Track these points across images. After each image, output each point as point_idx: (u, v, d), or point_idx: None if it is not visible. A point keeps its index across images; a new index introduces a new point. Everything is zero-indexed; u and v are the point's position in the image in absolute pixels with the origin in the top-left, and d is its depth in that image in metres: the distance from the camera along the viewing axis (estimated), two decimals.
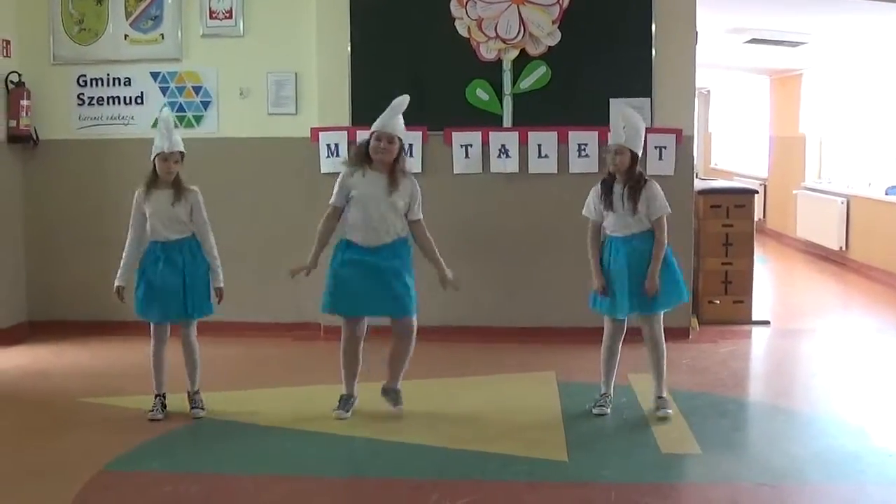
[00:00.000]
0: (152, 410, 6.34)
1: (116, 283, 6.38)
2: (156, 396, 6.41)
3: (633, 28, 8.42)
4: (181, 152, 6.32)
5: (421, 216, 6.26)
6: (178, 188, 6.29)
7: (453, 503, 4.90)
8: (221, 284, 6.46)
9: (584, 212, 6.45)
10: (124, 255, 6.39)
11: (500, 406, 6.58)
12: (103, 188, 8.91)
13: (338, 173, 8.48)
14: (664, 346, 6.44)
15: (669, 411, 6.31)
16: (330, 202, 6.32)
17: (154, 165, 6.29)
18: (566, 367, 7.54)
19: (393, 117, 6.21)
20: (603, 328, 6.48)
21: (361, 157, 6.23)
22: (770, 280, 12.25)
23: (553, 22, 8.41)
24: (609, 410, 6.37)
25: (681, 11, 8.40)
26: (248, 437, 6.05)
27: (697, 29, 8.55)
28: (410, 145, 8.44)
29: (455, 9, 8.47)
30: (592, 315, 8.52)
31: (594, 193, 6.40)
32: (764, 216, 16.65)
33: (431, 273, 6.34)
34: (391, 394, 6.43)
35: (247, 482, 5.30)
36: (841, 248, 13.09)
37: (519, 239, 8.53)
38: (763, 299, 10.12)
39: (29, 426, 6.33)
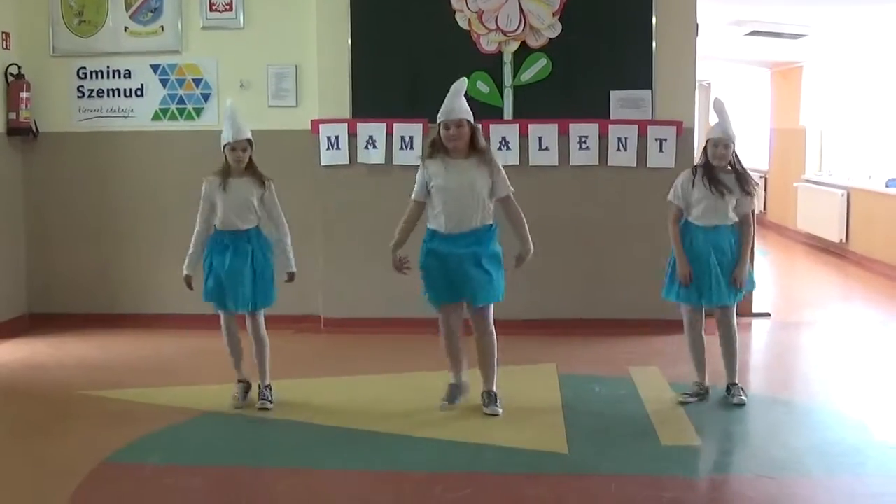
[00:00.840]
0: (233, 396, 6.39)
1: (185, 272, 6.35)
2: (238, 382, 6.46)
3: (633, 20, 8.42)
4: (248, 140, 6.31)
5: (507, 192, 6.14)
6: (257, 175, 6.34)
7: (455, 494, 4.90)
8: (294, 269, 6.47)
9: (670, 197, 6.42)
10: (192, 244, 6.36)
11: (501, 398, 6.57)
12: (103, 180, 8.91)
13: (336, 166, 8.58)
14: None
15: (744, 397, 6.37)
16: (411, 197, 6.23)
17: (225, 157, 6.29)
18: (567, 359, 7.54)
19: (456, 101, 6.11)
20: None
21: (438, 148, 6.14)
22: (770, 272, 12.25)
23: (553, 14, 8.41)
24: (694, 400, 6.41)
25: (681, 4, 8.40)
26: (250, 429, 6.05)
27: (698, 21, 8.54)
28: (411, 137, 8.47)
29: (455, 1, 8.46)
30: (593, 307, 8.57)
31: (685, 179, 6.38)
32: (764, 208, 16.66)
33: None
34: (482, 396, 6.30)
35: (248, 475, 5.30)
36: (841, 240, 13.09)
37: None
38: (763, 291, 10.11)
39: (28, 419, 6.34)
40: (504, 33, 8.45)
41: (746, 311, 9.23)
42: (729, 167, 6.34)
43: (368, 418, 6.14)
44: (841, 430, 6.04)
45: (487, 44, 8.49)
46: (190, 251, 6.36)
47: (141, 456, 5.53)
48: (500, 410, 6.19)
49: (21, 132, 8.78)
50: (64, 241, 9.02)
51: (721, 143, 6.26)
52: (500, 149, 8.43)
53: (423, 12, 8.54)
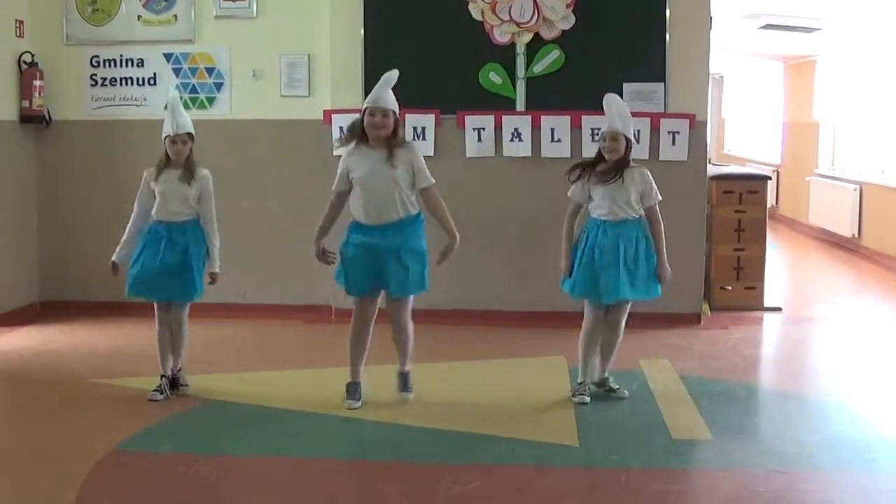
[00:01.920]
0: (154, 391, 6.34)
1: (113, 259, 6.38)
2: (161, 377, 6.43)
3: (647, 12, 8.40)
4: (189, 133, 6.31)
5: (427, 183, 6.06)
6: (189, 169, 6.30)
7: (465, 486, 4.90)
8: (218, 270, 6.44)
9: (569, 193, 6.36)
10: (126, 231, 6.42)
11: (510, 390, 6.58)
12: (116, 169, 8.91)
13: None
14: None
15: (586, 398, 6.31)
16: (332, 188, 6.24)
17: (165, 148, 6.30)
18: (576, 352, 7.52)
19: (384, 91, 6.04)
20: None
21: (356, 134, 6.09)
22: (782, 267, 12.23)
23: (567, 6, 8.39)
24: (588, 399, 6.32)
25: None
26: (259, 418, 6.06)
27: (712, 14, 8.52)
28: (423, 128, 8.46)
29: None
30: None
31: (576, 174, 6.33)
32: (777, 202, 16.62)
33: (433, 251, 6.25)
34: (398, 378, 6.39)
35: (257, 463, 5.31)
36: (854, 235, 13.05)
37: (531, 223, 8.51)
38: (775, 286, 10.10)
39: (40, 406, 6.36)
40: (517, 24, 8.44)
41: (758, 306, 9.24)
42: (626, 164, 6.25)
43: (375, 409, 6.15)
44: (852, 425, 6.04)
45: (500, 35, 8.48)
46: (123, 238, 6.41)
47: (152, 444, 5.55)
48: (412, 396, 6.28)
49: (34, 120, 8.80)
50: (76, 229, 9.04)
51: (608, 136, 6.21)
52: (512, 140, 8.44)
53: (437, 2, 8.54)
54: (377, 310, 6.29)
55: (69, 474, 5.01)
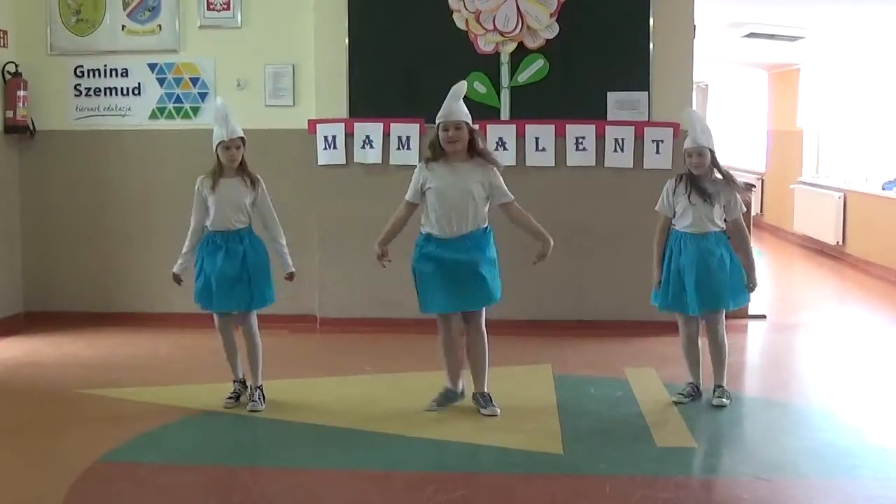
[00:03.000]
0: (228, 397, 6.38)
1: (175, 271, 6.34)
2: (234, 382, 6.47)
3: (631, 21, 8.43)
4: (242, 138, 6.30)
5: (507, 199, 6.14)
6: (248, 174, 6.32)
7: (449, 495, 4.90)
8: (293, 269, 6.48)
9: (657, 207, 6.44)
10: (186, 243, 6.37)
11: (496, 398, 6.57)
12: (100, 179, 8.91)
13: (333, 165, 8.59)
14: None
15: (725, 400, 6.38)
16: (405, 197, 6.22)
17: (217, 156, 6.28)
18: (563, 360, 7.54)
19: (454, 103, 6.10)
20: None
21: (436, 150, 6.12)
22: (767, 274, 12.24)
23: (551, 15, 8.41)
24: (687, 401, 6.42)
25: (679, 5, 8.40)
26: (245, 428, 6.05)
27: (696, 23, 8.55)
28: (408, 137, 8.47)
29: (453, 1, 8.46)
30: (589, 308, 8.58)
31: (669, 187, 6.40)
32: (761, 210, 16.68)
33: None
34: (476, 398, 6.30)
35: (244, 474, 5.30)
36: (838, 242, 13.10)
37: (515, 232, 8.49)
38: (759, 293, 10.10)
39: (24, 417, 6.33)
40: (501, 34, 8.46)
41: (742, 314, 9.24)
42: (714, 174, 6.33)
43: (363, 418, 6.14)
44: (836, 432, 6.05)
45: (485, 44, 8.49)
46: (184, 250, 6.37)
47: (137, 455, 5.53)
48: (499, 410, 6.20)
49: (18, 130, 8.77)
50: (60, 239, 9.01)
51: (694, 153, 6.25)
52: (496, 149, 8.43)
53: (421, 12, 8.55)
54: (460, 322, 6.27)
55: (53, 485, 4.99)
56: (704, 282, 6.23)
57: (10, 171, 8.87)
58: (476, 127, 6.21)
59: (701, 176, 6.28)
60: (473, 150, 6.11)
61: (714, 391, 6.45)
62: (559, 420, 6.10)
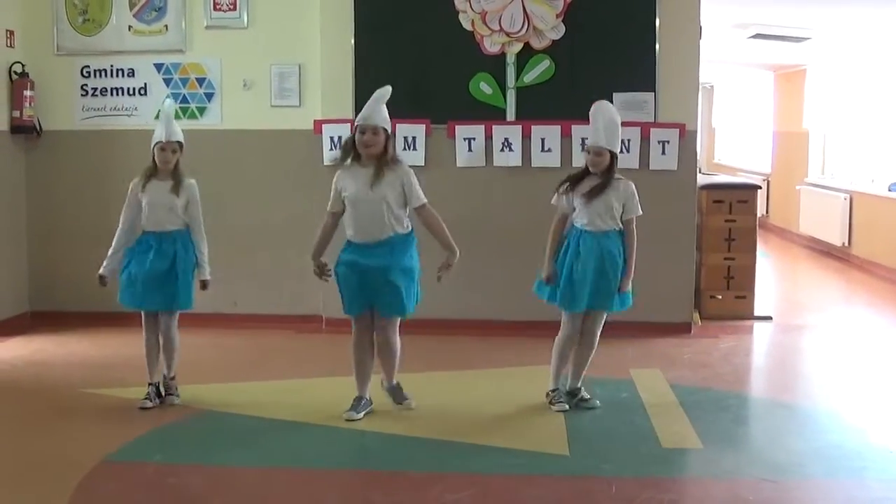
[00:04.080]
0: (144, 399, 6.36)
1: (101, 271, 6.40)
2: (148, 385, 6.44)
3: (637, 22, 8.42)
4: (179, 142, 6.34)
5: (421, 202, 6.05)
6: (176, 178, 6.33)
7: (455, 495, 4.90)
8: (209, 277, 6.46)
9: (553, 201, 6.36)
10: (114, 243, 6.43)
11: (500, 399, 6.58)
12: (106, 179, 8.90)
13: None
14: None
15: (566, 406, 6.33)
16: (327, 209, 6.21)
17: (153, 156, 6.31)
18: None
19: (375, 108, 6.03)
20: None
21: (349, 152, 6.08)
22: (772, 275, 12.26)
23: (557, 16, 8.41)
24: (567, 406, 6.33)
25: (685, 6, 8.40)
26: (251, 428, 6.05)
27: (701, 24, 8.54)
28: (414, 138, 8.47)
29: (459, 2, 8.46)
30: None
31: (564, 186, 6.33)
32: (767, 212, 16.66)
33: (430, 267, 6.28)
34: (388, 393, 6.38)
35: (249, 474, 5.30)
36: (844, 244, 13.08)
37: (521, 233, 8.52)
38: (765, 295, 10.12)
39: (30, 416, 6.34)
40: (507, 34, 8.46)
41: (748, 315, 9.26)
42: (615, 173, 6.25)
43: (368, 418, 6.14)
44: (842, 434, 6.05)
45: (491, 45, 8.49)
46: (111, 250, 6.42)
47: (143, 454, 5.54)
48: (414, 403, 6.28)
49: (25, 130, 8.79)
50: (66, 239, 9.02)
51: (592, 151, 6.20)
52: (502, 150, 8.44)
53: (427, 12, 8.55)
54: (373, 327, 6.23)
55: (59, 485, 5.00)
56: (597, 281, 6.16)
57: (16, 170, 8.88)
58: (392, 136, 6.13)
59: (597, 174, 6.19)
60: (383, 158, 6.02)
61: (580, 392, 6.42)
62: (564, 421, 6.10)
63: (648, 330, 8.22)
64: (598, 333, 6.39)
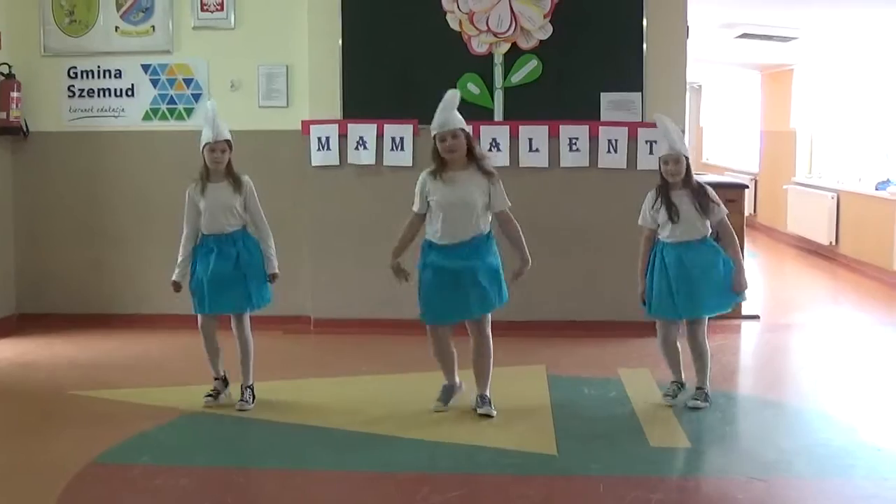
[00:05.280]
0: (207, 395, 6.41)
1: (174, 278, 6.37)
2: (214, 379, 6.48)
3: (624, 22, 8.43)
4: (228, 141, 6.33)
5: (503, 207, 6.16)
6: (233, 177, 6.34)
7: (443, 496, 4.90)
8: (277, 270, 6.49)
9: (640, 221, 6.42)
10: (181, 251, 6.39)
11: (494, 401, 6.57)
12: (93, 180, 8.90)
13: (327, 167, 8.59)
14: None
15: (700, 403, 6.37)
16: (413, 209, 6.22)
17: (203, 159, 6.31)
18: (556, 361, 7.55)
19: (449, 113, 6.11)
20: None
21: (437, 161, 6.13)
22: (760, 274, 12.27)
23: (545, 16, 8.41)
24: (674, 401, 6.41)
25: (672, 6, 8.41)
26: (239, 430, 6.05)
27: (689, 23, 8.55)
28: (402, 138, 8.47)
29: (446, 2, 8.46)
30: (583, 309, 8.58)
31: (649, 202, 6.37)
32: (754, 211, 16.68)
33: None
34: (476, 399, 6.33)
35: (237, 475, 5.30)
36: (831, 242, 13.11)
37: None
38: (753, 294, 10.10)
39: (17, 419, 6.33)
40: (495, 34, 8.46)
41: (736, 314, 9.24)
42: (690, 184, 6.30)
43: (357, 419, 6.14)
44: (831, 432, 6.05)
45: (478, 45, 8.49)
46: (179, 258, 6.39)
47: (130, 456, 5.53)
48: (495, 412, 6.20)
49: (11, 132, 8.76)
50: (54, 241, 9.00)
51: (671, 160, 6.23)
52: (490, 150, 8.43)
53: (415, 13, 8.54)
54: (450, 329, 6.30)
55: (47, 487, 4.98)
56: (685, 289, 6.21)
57: (3, 172, 8.85)
58: (470, 132, 6.20)
59: (675, 185, 6.25)
60: (472, 157, 6.12)
61: (695, 391, 6.45)
62: (553, 420, 6.11)
63: (637, 329, 8.21)
64: (701, 335, 6.42)
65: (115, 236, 8.94)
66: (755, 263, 12.54)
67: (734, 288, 6.32)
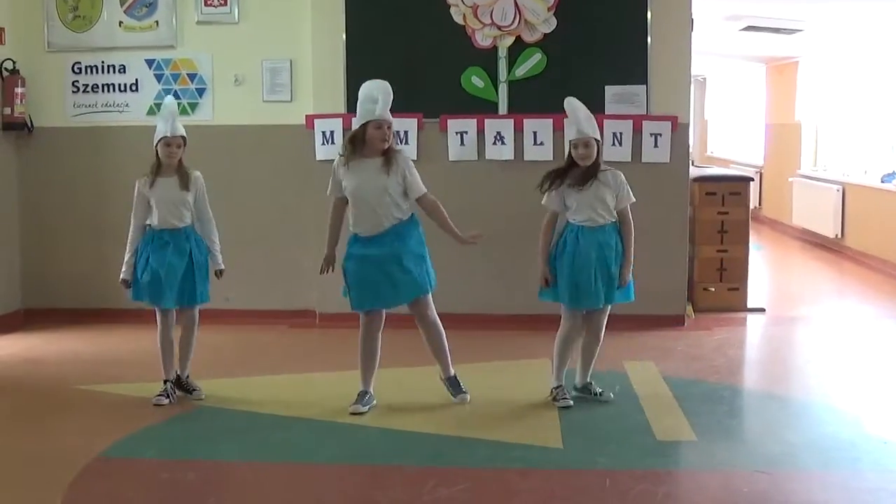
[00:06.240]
0: (160, 395, 6.37)
1: (123, 276, 6.40)
2: (164, 382, 6.45)
3: (628, 15, 8.42)
4: (183, 137, 6.35)
5: (421, 191, 6.13)
6: (182, 173, 6.34)
7: (450, 489, 4.90)
8: (223, 266, 6.54)
9: (543, 202, 6.32)
10: (129, 245, 6.40)
11: (495, 393, 6.57)
12: (98, 175, 8.90)
13: (331, 161, 8.50)
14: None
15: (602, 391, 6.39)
16: (332, 195, 6.24)
17: (157, 152, 6.30)
18: None
19: (389, 104, 6.13)
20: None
21: (357, 146, 6.10)
22: (765, 267, 12.26)
23: (548, 9, 8.40)
24: (572, 402, 6.31)
25: None
26: (245, 424, 6.05)
27: (693, 16, 8.54)
28: (406, 132, 8.46)
29: None
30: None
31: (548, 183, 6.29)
32: (760, 204, 16.67)
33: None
34: (445, 385, 6.42)
35: (243, 469, 5.30)
36: (836, 235, 13.09)
37: (514, 226, 8.50)
38: (758, 287, 10.13)
39: (24, 413, 6.34)
40: (499, 28, 8.45)
41: (741, 307, 9.27)
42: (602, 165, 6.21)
43: (361, 414, 6.13)
44: (836, 425, 6.05)
45: (482, 38, 8.48)
46: (128, 253, 6.40)
47: (136, 450, 5.54)
48: (468, 396, 6.30)
49: (16, 127, 8.76)
50: (59, 236, 9.01)
51: (580, 144, 6.17)
52: (494, 144, 8.44)
53: (418, 7, 8.54)
54: (383, 320, 6.30)
55: (53, 482, 4.99)
56: (605, 275, 6.16)
57: (7, 168, 8.86)
58: (401, 133, 6.28)
59: (588, 167, 6.15)
60: (388, 149, 6.12)
61: (592, 387, 6.43)
62: (558, 414, 6.10)
63: (642, 322, 8.21)
64: (604, 326, 6.40)
65: (120, 231, 8.82)
66: (760, 256, 12.52)
67: (619, 281, 6.23)
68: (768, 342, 8.66)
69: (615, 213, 6.19)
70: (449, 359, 6.40)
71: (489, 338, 8.16)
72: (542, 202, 6.33)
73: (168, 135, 6.28)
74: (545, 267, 6.28)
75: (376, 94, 6.11)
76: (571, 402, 6.27)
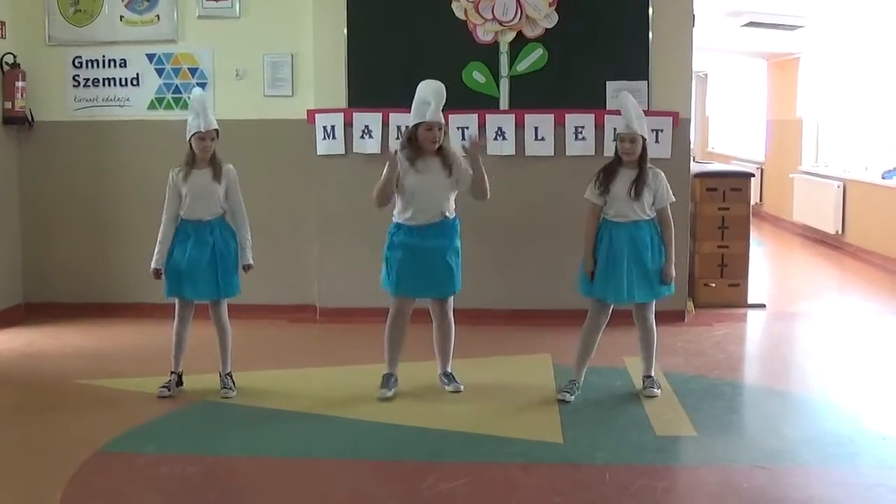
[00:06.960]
0: (164, 387, 6.40)
1: (153, 266, 6.43)
2: (171, 373, 6.46)
3: (630, 11, 8.41)
4: (216, 130, 6.37)
5: (468, 175, 6.36)
6: (216, 166, 6.38)
7: (450, 484, 4.91)
8: (252, 261, 6.54)
9: (586, 194, 6.37)
10: (160, 236, 6.44)
11: (496, 388, 6.58)
12: (99, 170, 8.90)
13: (332, 155, 8.57)
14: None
15: (657, 391, 6.40)
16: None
17: (190, 146, 6.33)
18: (562, 350, 7.52)
19: (440, 105, 6.30)
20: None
21: (414, 147, 6.33)
22: (766, 263, 12.26)
23: (550, 4, 8.39)
24: (571, 398, 6.32)
25: None
26: (245, 418, 6.05)
27: (694, 12, 8.53)
28: (407, 126, 8.45)
29: None
30: (588, 298, 8.55)
31: (596, 178, 6.34)
32: (760, 200, 16.66)
33: None
34: (441, 378, 6.60)
35: (244, 463, 5.31)
36: (837, 231, 13.09)
37: (515, 221, 8.52)
38: (759, 283, 10.13)
39: (25, 408, 6.34)
40: (500, 23, 8.44)
41: (742, 303, 9.27)
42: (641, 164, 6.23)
43: (362, 408, 6.16)
44: (836, 420, 6.06)
45: (484, 33, 8.48)
46: (159, 243, 6.43)
47: (136, 445, 5.55)
48: (462, 386, 6.45)
49: (17, 121, 8.76)
50: (60, 230, 9.01)
51: (627, 139, 6.20)
52: (496, 139, 8.44)
53: (420, 2, 8.53)
54: (411, 309, 6.48)
55: (53, 476, 5.00)
56: (639, 271, 6.20)
57: (8, 162, 8.86)
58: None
59: (630, 164, 6.21)
60: (442, 148, 6.37)
61: (644, 382, 6.46)
62: (559, 409, 6.11)
63: None
64: (652, 319, 6.45)
65: (121, 225, 8.94)
66: (761, 252, 12.52)
67: (663, 278, 6.28)
68: (768, 338, 8.66)
69: (653, 211, 6.23)
70: (451, 358, 6.60)
71: (490, 333, 8.16)
72: (585, 195, 6.39)
73: (202, 129, 6.30)
74: (591, 259, 6.33)
75: (430, 97, 6.31)
76: (570, 398, 6.28)
